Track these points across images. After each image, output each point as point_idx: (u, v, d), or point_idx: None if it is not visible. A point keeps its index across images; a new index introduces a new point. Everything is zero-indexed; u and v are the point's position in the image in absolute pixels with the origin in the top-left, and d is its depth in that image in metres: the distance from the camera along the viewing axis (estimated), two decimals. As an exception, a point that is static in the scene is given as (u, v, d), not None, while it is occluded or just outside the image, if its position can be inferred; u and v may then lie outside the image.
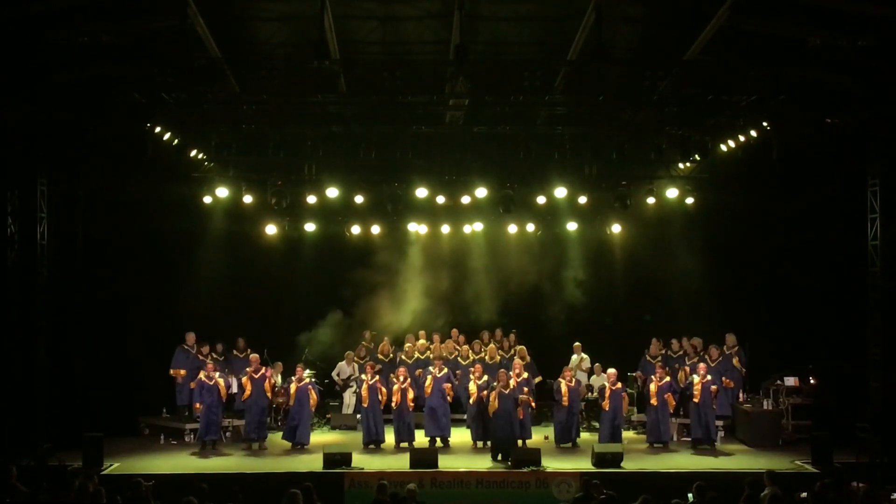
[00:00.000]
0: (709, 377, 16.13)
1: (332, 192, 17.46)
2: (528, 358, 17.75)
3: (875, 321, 14.39)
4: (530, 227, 20.20)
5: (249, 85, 13.63)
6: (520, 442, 15.74)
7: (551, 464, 14.64)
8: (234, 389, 16.67)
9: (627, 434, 16.82)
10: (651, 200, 18.32)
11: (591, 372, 18.26)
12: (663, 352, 18.00)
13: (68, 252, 16.51)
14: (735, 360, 17.39)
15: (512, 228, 20.09)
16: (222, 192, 17.54)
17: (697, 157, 16.34)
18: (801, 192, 17.49)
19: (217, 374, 16.20)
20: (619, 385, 16.39)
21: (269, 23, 13.91)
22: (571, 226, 19.85)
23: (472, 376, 16.44)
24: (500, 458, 15.13)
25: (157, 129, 14.95)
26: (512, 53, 14.65)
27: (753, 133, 15.40)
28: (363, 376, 16.74)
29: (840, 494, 10.86)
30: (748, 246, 18.73)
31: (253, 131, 15.53)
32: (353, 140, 15.85)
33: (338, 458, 14.38)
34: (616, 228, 20.05)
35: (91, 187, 17.00)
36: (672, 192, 18.07)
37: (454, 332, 19.27)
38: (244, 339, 18.01)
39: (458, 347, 18.67)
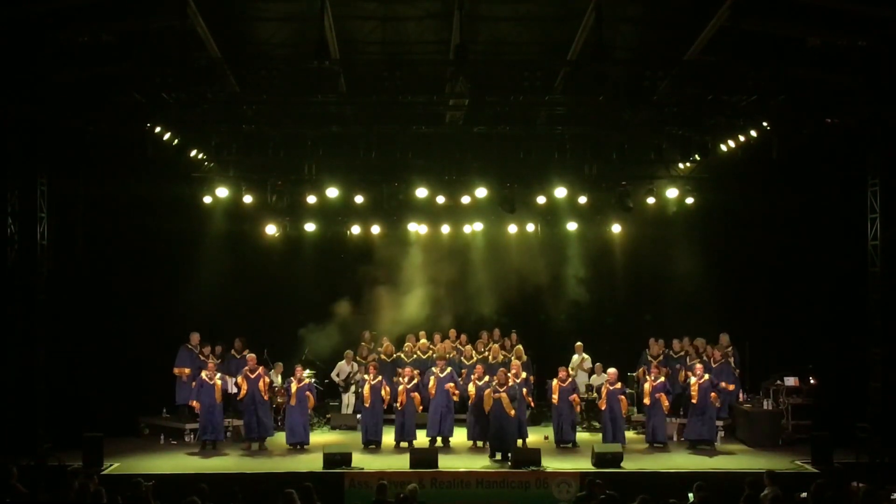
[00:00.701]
0: (706, 377, 16.11)
1: (332, 192, 17.47)
2: (524, 357, 17.75)
3: (875, 321, 14.39)
4: (530, 227, 20.20)
5: (249, 85, 13.61)
6: (520, 442, 15.75)
7: (551, 464, 14.63)
8: (233, 390, 16.66)
9: (627, 434, 16.82)
10: (651, 200, 18.33)
11: (591, 372, 18.26)
12: (664, 352, 18.00)
13: (68, 252, 16.52)
14: (730, 360, 17.39)
15: (512, 228, 20.09)
16: (222, 192, 17.55)
17: (697, 157, 16.36)
18: (800, 192, 17.50)
19: (217, 374, 16.19)
20: (619, 385, 16.39)
21: (269, 23, 13.93)
22: (571, 226, 19.84)
23: (472, 377, 16.44)
24: (499, 456, 15.14)
25: (157, 129, 14.94)
26: (512, 53, 14.67)
27: (753, 133, 15.40)
28: (365, 376, 16.74)
29: (840, 494, 10.86)
30: (748, 246, 18.74)
31: (253, 131, 15.55)
32: (353, 140, 15.87)
33: (338, 458, 14.37)
34: (616, 228, 20.03)
35: (91, 187, 17.01)
36: (672, 192, 18.09)
37: (452, 332, 19.26)
38: (242, 340, 18.00)
39: (460, 347, 18.66)
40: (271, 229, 19.49)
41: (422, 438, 16.36)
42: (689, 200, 18.34)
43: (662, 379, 16.31)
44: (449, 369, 16.74)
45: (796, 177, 17.21)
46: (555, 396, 16.22)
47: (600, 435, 16.27)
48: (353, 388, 17.97)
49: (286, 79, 13.29)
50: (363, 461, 14.74)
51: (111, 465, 14.52)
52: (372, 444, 16.16)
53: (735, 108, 14.40)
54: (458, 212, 19.12)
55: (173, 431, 16.99)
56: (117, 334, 17.55)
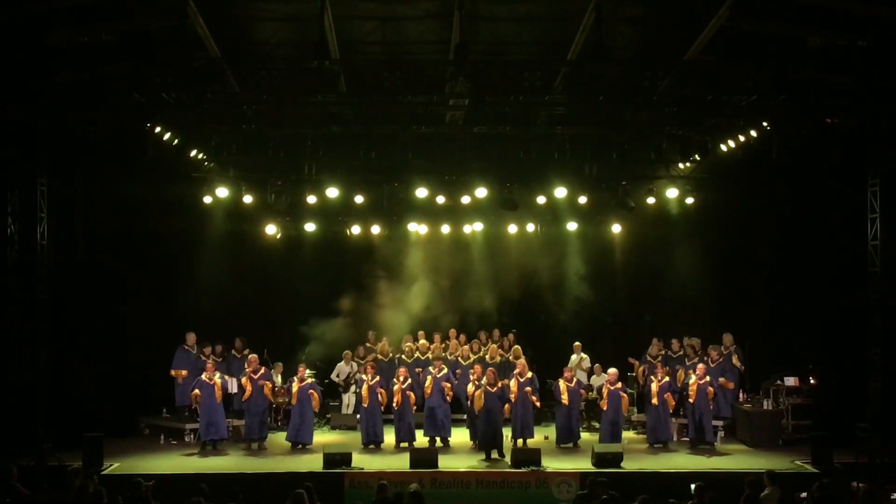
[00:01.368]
0: (708, 377, 16.11)
1: (332, 192, 17.48)
2: (522, 357, 17.74)
3: (875, 321, 14.38)
4: (530, 227, 20.20)
5: (249, 85, 13.63)
6: (520, 442, 15.75)
7: (551, 464, 14.62)
8: (234, 390, 16.65)
9: (627, 434, 16.81)
10: (651, 200, 18.34)
11: (591, 372, 18.26)
12: (663, 352, 18.00)
13: (68, 252, 16.51)
14: (734, 359, 17.37)
15: (512, 228, 20.11)
16: (222, 192, 17.56)
17: (697, 157, 16.37)
18: (800, 192, 17.51)
19: (217, 375, 16.19)
20: (619, 385, 16.37)
21: (269, 23, 13.94)
22: (571, 226, 19.85)
23: (471, 377, 16.43)
24: (495, 454, 15.16)
25: (157, 129, 14.96)
26: (512, 53, 14.68)
27: (753, 133, 15.41)
28: (363, 376, 16.74)
29: (840, 494, 10.87)
30: (748, 246, 18.76)
31: (253, 131, 15.55)
32: (353, 140, 15.88)
33: (338, 458, 14.37)
34: (616, 228, 20.05)
35: (91, 187, 17.01)
36: (672, 192, 18.10)
37: (452, 332, 19.26)
38: (243, 340, 18.00)
39: (459, 347, 18.66)
40: (271, 229, 19.49)
41: (422, 438, 16.36)
42: (689, 200, 18.35)
43: (668, 379, 16.30)
44: (445, 369, 16.74)
45: (796, 177, 17.20)
46: (564, 397, 16.15)
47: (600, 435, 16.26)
48: (353, 388, 17.97)
49: (286, 79, 13.31)
50: (363, 461, 14.73)
51: (111, 465, 14.51)
52: (372, 444, 16.16)
53: (735, 108, 14.41)
54: (458, 212, 19.13)
55: (173, 431, 16.98)
56: (117, 334, 17.55)
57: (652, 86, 13.57)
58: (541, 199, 18.26)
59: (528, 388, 15.92)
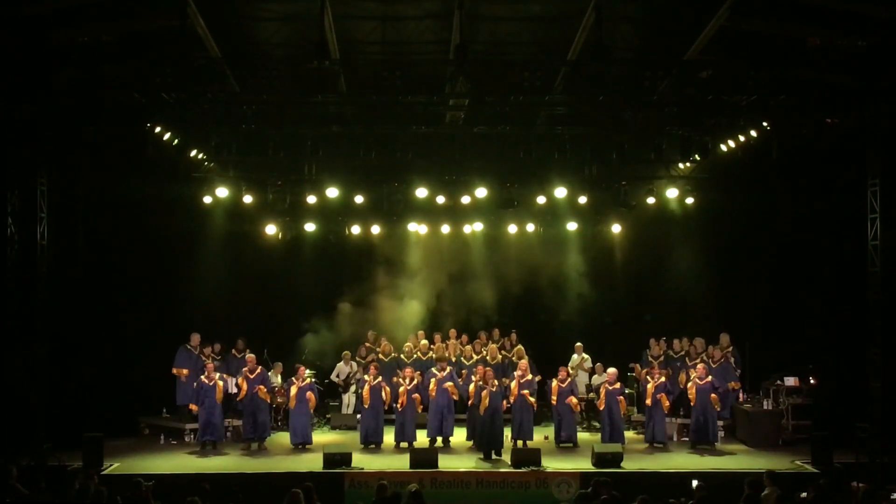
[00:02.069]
0: (710, 378, 16.11)
1: (332, 192, 17.47)
2: (525, 357, 17.74)
3: (875, 321, 14.39)
4: (530, 227, 20.20)
5: (249, 85, 13.63)
6: (520, 442, 15.76)
7: (551, 464, 14.63)
8: (234, 390, 16.65)
9: (627, 434, 16.82)
10: (651, 200, 18.34)
11: (592, 372, 18.26)
12: (664, 352, 18.00)
13: (68, 252, 16.50)
14: (731, 360, 17.40)
15: (512, 228, 20.10)
16: (222, 192, 17.54)
17: (697, 157, 16.35)
18: (800, 192, 17.51)
19: (217, 375, 16.19)
20: (618, 385, 16.38)
21: (269, 23, 13.94)
22: (571, 226, 19.85)
23: (472, 377, 16.43)
24: (493, 455, 15.16)
25: (157, 129, 14.94)
26: (512, 53, 14.67)
27: (753, 133, 15.40)
28: (366, 377, 16.73)
29: (840, 494, 10.87)
30: (748, 246, 18.75)
31: (253, 131, 15.53)
32: (353, 140, 15.86)
33: (338, 458, 14.37)
34: (616, 228, 20.06)
35: (91, 187, 17.00)
36: (672, 192, 18.10)
37: (452, 332, 19.26)
38: (243, 340, 18.00)
39: (461, 348, 18.66)
40: (271, 229, 19.49)
41: (422, 438, 16.36)
42: (689, 200, 18.35)
43: (663, 379, 16.32)
44: (448, 369, 16.73)
45: (796, 177, 17.20)
46: (553, 397, 16.23)
47: (600, 435, 16.27)
48: (353, 388, 17.97)
49: (286, 79, 13.31)
50: (363, 461, 14.73)
51: (111, 465, 14.52)
52: (372, 444, 16.16)
53: (735, 108, 14.41)
54: (458, 212, 19.12)
55: (173, 431, 16.98)
56: (117, 334, 17.54)
57: (652, 86, 13.56)
58: (541, 199, 18.26)
59: (526, 391, 15.90)
